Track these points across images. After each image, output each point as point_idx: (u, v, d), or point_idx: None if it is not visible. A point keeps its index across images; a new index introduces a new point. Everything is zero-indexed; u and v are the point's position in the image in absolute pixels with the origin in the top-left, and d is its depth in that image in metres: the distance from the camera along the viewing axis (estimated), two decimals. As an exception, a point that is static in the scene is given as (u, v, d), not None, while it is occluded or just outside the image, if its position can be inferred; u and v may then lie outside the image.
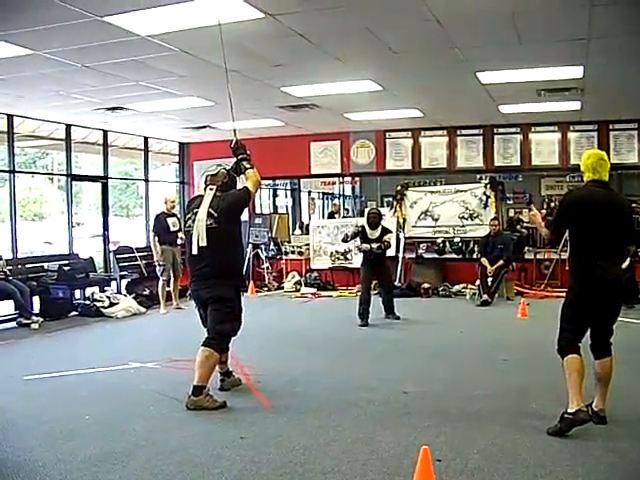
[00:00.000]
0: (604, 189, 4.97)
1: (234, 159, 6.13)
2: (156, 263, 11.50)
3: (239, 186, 6.11)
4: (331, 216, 16.31)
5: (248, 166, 6.00)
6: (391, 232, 10.43)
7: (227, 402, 5.77)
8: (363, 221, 10.32)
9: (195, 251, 5.77)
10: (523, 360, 7.36)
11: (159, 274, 11.47)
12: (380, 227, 10.06)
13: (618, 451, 4.49)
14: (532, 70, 8.56)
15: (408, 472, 4.00)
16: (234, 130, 6.22)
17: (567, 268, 5.37)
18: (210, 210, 5.73)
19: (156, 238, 11.45)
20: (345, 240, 10.65)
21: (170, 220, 11.50)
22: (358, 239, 10.16)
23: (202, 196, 5.93)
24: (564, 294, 5.27)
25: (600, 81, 9.11)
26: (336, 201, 17.12)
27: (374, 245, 9.88)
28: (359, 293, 10.28)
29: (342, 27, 6.73)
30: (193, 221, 5.80)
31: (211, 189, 5.87)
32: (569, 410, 4.73)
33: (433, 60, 8.10)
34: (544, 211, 15.37)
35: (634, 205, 11.21)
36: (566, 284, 12.24)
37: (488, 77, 8.92)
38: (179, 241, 11.51)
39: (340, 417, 5.38)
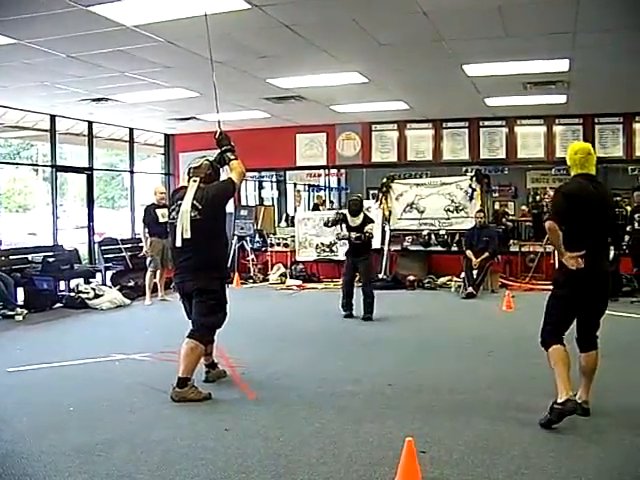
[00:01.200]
0: (592, 183, 4.96)
1: (218, 150, 6.09)
2: (145, 254, 11.48)
3: (223, 177, 6.10)
4: (315, 208, 16.30)
5: (232, 157, 5.96)
6: (373, 222, 10.08)
7: (212, 394, 5.76)
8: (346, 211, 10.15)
9: (179, 243, 5.75)
10: (508, 353, 7.40)
11: (148, 265, 11.45)
12: (362, 215, 9.79)
13: (602, 442, 4.52)
14: (518, 63, 8.57)
15: (393, 463, 4.01)
16: (218, 121, 6.17)
17: (552, 261, 5.39)
18: (194, 202, 5.70)
19: (146, 229, 11.43)
20: (327, 225, 10.54)
21: (159, 211, 11.48)
22: (342, 227, 10.03)
23: (186, 187, 5.91)
24: (549, 287, 5.29)
25: (586, 75, 9.14)
26: (320, 193, 17.10)
27: (353, 234, 9.67)
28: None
29: (328, 19, 6.71)
30: (177, 213, 5.77)
31: (195, 181, 5.83)
32: (558, 400, 4.75)
33: (419, 52, 8.10)
34: (525, 208, 15.46)
35: (618, 199, 11.32)
36: (551, 277, 12.27)
37: (474, 70, 8.93)
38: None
39: (325, 409, 5.39)
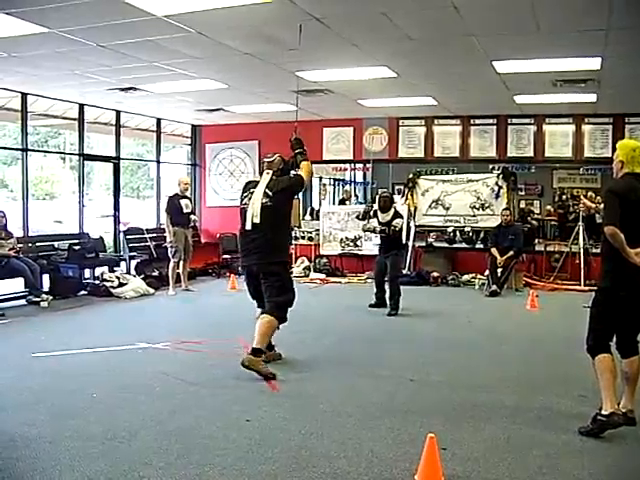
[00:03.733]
0: None
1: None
2: (168, 244, 11.54)
3: None
4: (342, 202, 16.28)
5: (302, 159, 6.63)
6: (402, 217, 10.17)
7: (234, 385, 5.83)
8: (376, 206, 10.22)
9: (249, 226, 6.27)
10: (532, 352, 7.36)
11: (170, 255, 11.50)
12: (392, 211, 9.90)
13: (624, 445, 4.47)
14: (549, 60, 8.47)
15: (414, 459, 4.00)
16: (295, 126, 7.06)
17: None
18: (266, 190, 6.28)
19: (169, 219, 11.48)
20: (358, 218, 10.63)
21: (183, 202, 11.56)
22: (369, 220, 10.12)
23: (257, 181, 6.49)
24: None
25: (617, 73, 9.02)
26: (347, 187, 17.08)
27: (378, 227, 9.86)
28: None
29: (359, 12, 6.67)
30: (249, 199, 6.32)
31: (267, 173, 6.43)
32: (603, 412, 4.58)
33: (449, 48, 8.03)
34: (550, 207, 15.28)
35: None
36: (575, 277, 12.12)
37: (504, 66, 8.84)
38: (191, 223, 11.63)
39: (346, 403, 5.39)
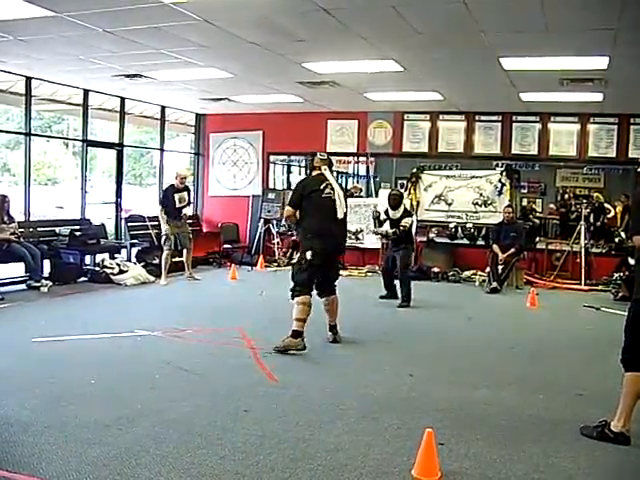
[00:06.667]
0: None
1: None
2: (164, 233, 11.55)
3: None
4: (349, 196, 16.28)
5: None
6: (411, 216, 10.42)
7: (233, 375, 5.83)
8: (378, 202, 10.37)
9: (341, 215, 6.99)
10: (531, 350, 7.34)
11: (163, 244, 11.51)
12: (402, 208, 10.13)
13: (621, 447, 4.43)
14: (557, 59, 8.42)
15: (411, 454, 4.01)
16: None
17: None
18: (340, 186, 7.23)
19: (162, 211, 11.57)
20: (375, 227, 10.90)
21: (177, 195, 11.53)
22: (379, 223, 10.36)
23: (319, 174, 7.08)
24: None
25: (625, 73, 8.97)
26: (355, 183, 17.06)
27: (389, 230, 10.02)
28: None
29: (368, 4, 6.63)
30: (332, 190, 6.95)
31: (325, 169, 7.11)
32: (612, 427, 4.48)
33: (457, 43, 7.98)
34: (552, 206, 15.25)
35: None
36: (576, 276, 12.06)
37: (511, 63, 8.80)
38: (182, 215, 11.67)
39: (345, 396, 5.39)
